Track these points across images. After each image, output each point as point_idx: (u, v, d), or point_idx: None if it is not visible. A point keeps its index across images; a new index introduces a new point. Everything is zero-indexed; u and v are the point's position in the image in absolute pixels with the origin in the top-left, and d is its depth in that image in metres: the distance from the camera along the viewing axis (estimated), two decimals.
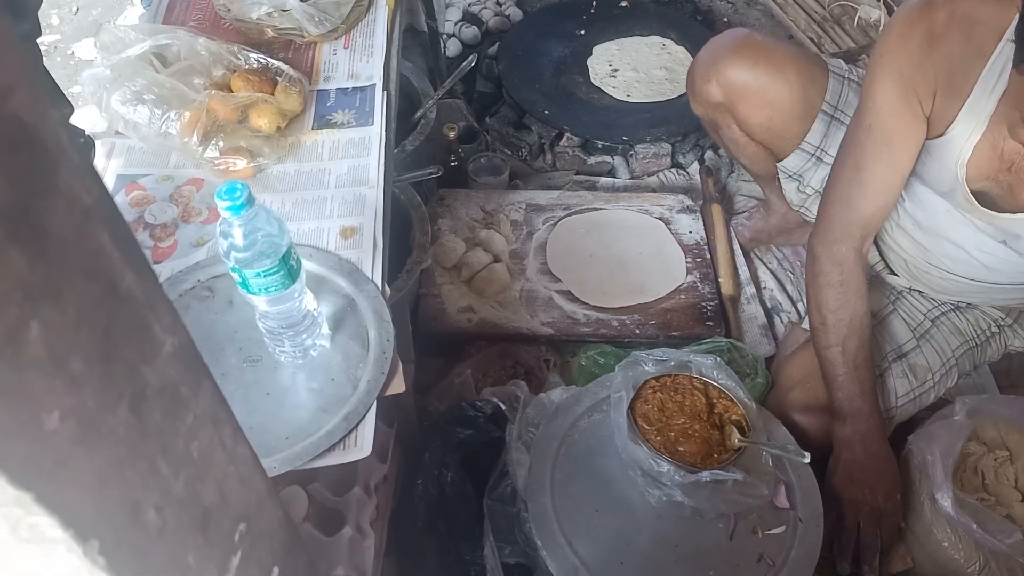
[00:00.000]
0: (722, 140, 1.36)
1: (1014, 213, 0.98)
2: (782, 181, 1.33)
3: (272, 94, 1.11)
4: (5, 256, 0.25)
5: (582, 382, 1.24)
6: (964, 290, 1.17)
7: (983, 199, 1.00)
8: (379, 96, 1.16)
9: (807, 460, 0.99)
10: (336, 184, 1.04)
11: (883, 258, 1.24)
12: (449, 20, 2.01)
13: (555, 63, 1.81)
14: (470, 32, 1.98)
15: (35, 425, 0.27)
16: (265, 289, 0.74)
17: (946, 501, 1.06)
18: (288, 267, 0.75)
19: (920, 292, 1.23)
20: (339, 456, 0.77)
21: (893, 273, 1.25)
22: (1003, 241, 1.02)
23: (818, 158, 1.27)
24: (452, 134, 1.53)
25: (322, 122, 1.13)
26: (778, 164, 1.29)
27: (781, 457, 1.05)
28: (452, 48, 1.94)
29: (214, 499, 0.42)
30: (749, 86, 1.22)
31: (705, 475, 0.96)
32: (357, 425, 0.80)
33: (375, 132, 1.11)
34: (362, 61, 1.22)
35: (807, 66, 1.25)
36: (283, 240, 0.73)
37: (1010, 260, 1.05)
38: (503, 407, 1.09)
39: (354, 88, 1.18)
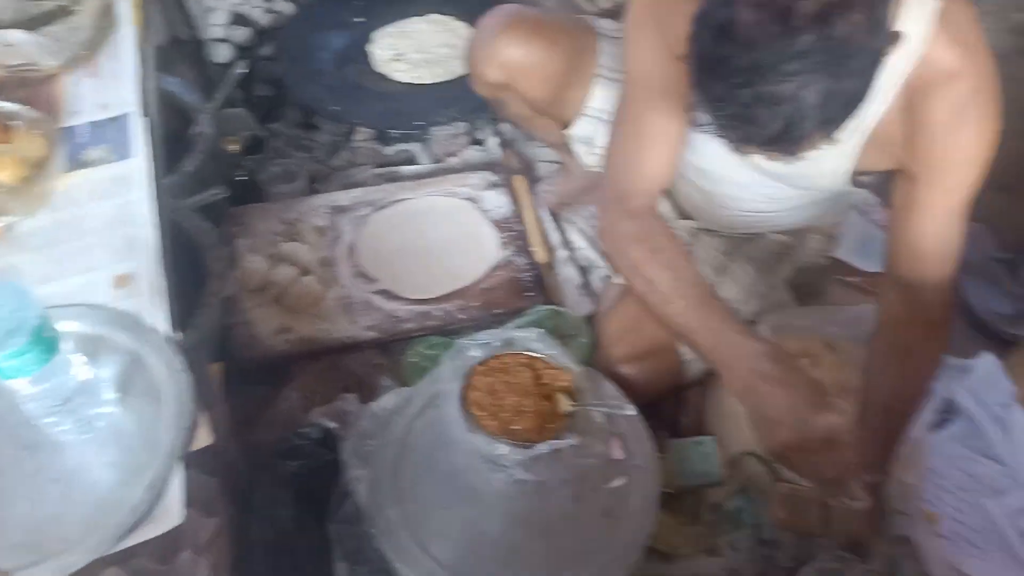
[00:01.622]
0: (510, 117, 1.38)
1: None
2: (573, 147, 1.36)
3: (9, 142, 1.00)
4: None
5: (415, 380, 1.22)
6: (751, 223, 1.25)
7: None
8: (135, 124, 1.07)
9: (632, 412, 1.03)
10: (101, 229, 0.95)
11: (673, 207, 1.30)
12: (215, 24, 1.89)
13: (337, 55, 1.75)
14: (242, 33, 1.87)
15: None
16: (20, 371, 0.67)
17: None
18: (44, 341, 0.68)
19: (711, 231, 1.30)
20: (150, 530, 0.72)
21: (686, 217, 1.32)
22: (776, 178, 1.10)
23: (603, 120, 1.30)
24: (234, 147, 1.45)
25: (75, 162, 1.02)
26: (565, 132, 1.32)
27: (609, 413, 1.09)
28: (224, 54, 1.82)
29: None
30: (525, 64, 1.24)
31: (542, 447, 0.99)
32: (164, 491, 0.74)
33: (137, 165, 1.03)
34: (112, 88, 1.12)
35: (577, 33, 1.28)
36: (30, 312, 0.66)
37: (785, 192, 1.13)
38: (334, 427, 1.06)
39: (108, 119, 1.08)
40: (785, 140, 0.76)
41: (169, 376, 0.82)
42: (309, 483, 0.98)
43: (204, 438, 0.78)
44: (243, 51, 1.86)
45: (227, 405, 1.09)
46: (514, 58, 1.23)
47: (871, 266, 1.58)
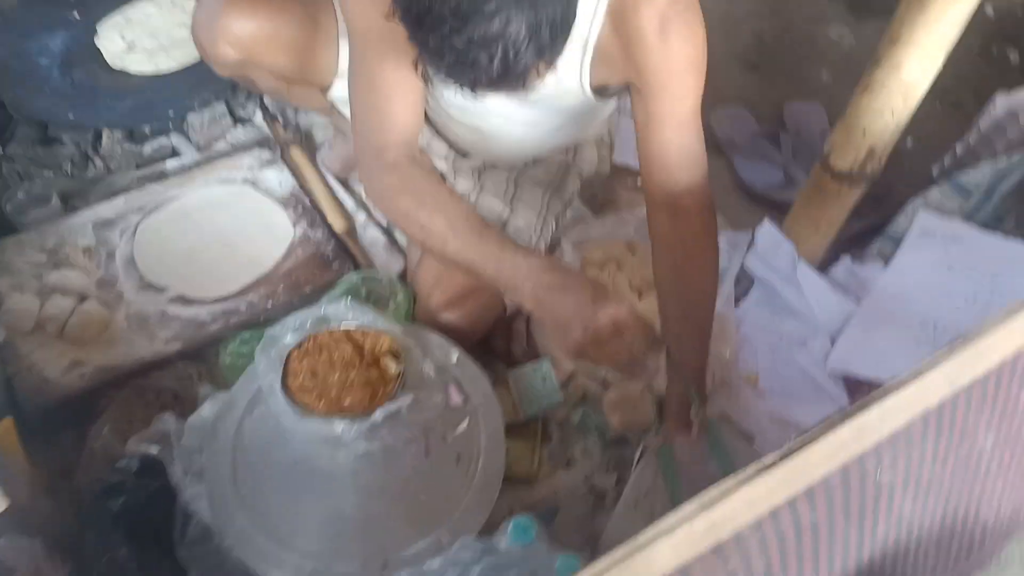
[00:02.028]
0: (264, 91, 1.30)
1: None
2: (340, 108, 1.31)
3: None
4: None
5: (235, 380, 1.15)
6: (525, 150, 1.27)
7: None
8: None
9: (456, 356, 1.03)
10: None
11: (452, 147, 1.29)
12: None
13: (59, 58, 1.57)
14: None
15: None
16: None
17: None
18: None
19: (493, 165, 1.31)
20: None
21: (464, 155, 1.32)
22: (527, 103, 1.11)
23: None
24: None
25: None
26: (328, 96, 1.27)
27: (443, 359, 1.09)
28: None
29: None
30: (258, 36, 1.16)
31: (377, 414, 0.97)
32: None
33: None
34: None
35: None
36: None
37: (542, 114, 1.15)
38: (155, 452, 0.98)
39: None
40: (509, 77, 0.77)
41: None
42: (141, 517, 0.91)
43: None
44: None
45: (30, 459, 0.98)
46: (245, 33, 1.15)
47: None
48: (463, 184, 1.29)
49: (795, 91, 1.92)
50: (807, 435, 0.63)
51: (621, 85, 1.05)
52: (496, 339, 1.32)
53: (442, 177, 1.33)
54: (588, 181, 1.45)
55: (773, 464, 0.61)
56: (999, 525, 0.97)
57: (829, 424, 0.64)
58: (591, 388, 1.26)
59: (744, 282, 1.42)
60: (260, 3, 1.16)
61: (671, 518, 0.59)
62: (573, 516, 1.16)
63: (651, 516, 1.08)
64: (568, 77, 1.03)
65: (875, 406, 0.65)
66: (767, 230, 1.40)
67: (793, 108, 1.83)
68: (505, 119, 1.15)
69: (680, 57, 0.95)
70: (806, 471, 0.65)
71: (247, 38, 1.15)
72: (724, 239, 1.36)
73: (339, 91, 1.25)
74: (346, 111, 1.31)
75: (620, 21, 0.94)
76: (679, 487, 1.07)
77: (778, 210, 1.51)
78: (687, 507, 0.59)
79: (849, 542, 0.77)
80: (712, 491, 0.60)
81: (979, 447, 0.82)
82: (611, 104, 1.23)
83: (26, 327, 1.16)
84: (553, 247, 1.35)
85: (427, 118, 1.30)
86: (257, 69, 1.21)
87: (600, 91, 1.07)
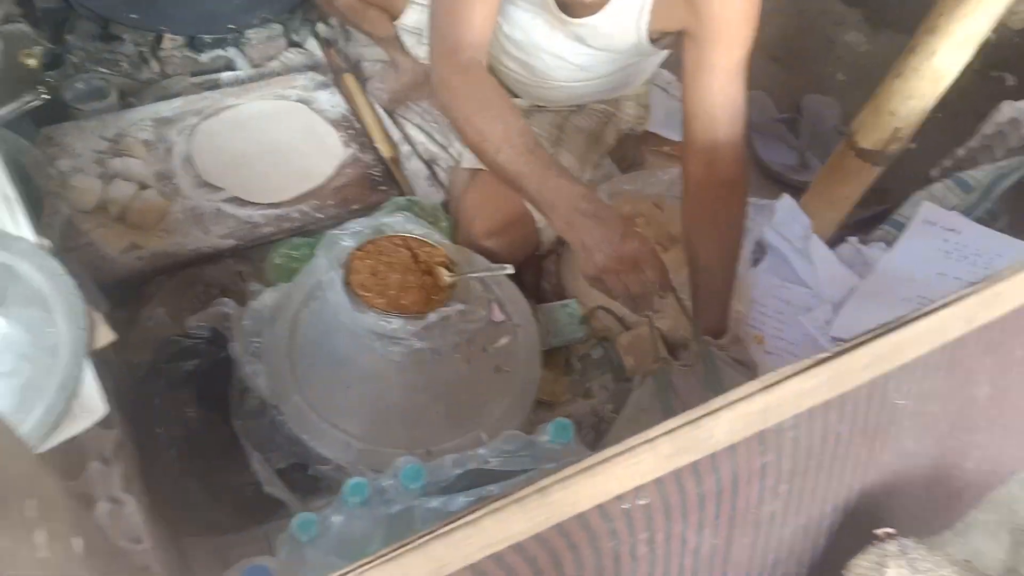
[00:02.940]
0: (337, 10, 1.36)
1: (580, 19, 1.12)
2: (404, 39, 1.37)
3: None
4: None
5: (283, 280, 1.21)
6: (571, 94, 1.35)
7: (565, 9, 1.13)
8: None
9: (511, 270, 1.10)
10: None
11: (502, 84, 1.36)
12: None
13: None
14: None
15: None
16: None
17: None
18: None
19: (540, 107, 1.39)
20: (72, 427, 0.70)
21: (515, 96, 1.39)
22: (583, 43, 1.19)
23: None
24: (33, 62, 1.30)
25: None
26: (396, 24, 1.33)
27: (487, 278, 1.16)
28: None
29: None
30: None
31: (432, 317, 1.04)
32: (76, 390, 0.72)
33: None
34: None
35: None
36: None
37: (595, 57, 1.23)
38: (218, 329, 1.04)
39: None
40: None
41: (49, 280, 0.77)
42: (209, 381, 0.97)
43: (106, 335, 0.75)
44: None
45: None
46: None
47: (677, 136, 1.76)
48: None
49: (812, 85, 2.03)
50: (848, 343, 0.72)
51: (675, 32, 1.12)
52: (527, 274, 1.40)
53: None
54: (623, 138, 1.53)
55: (823, 360, 0.70)
56: (977, 480, 1.07)
57: (867, 336, 0.72)
58: (611, 327, 1.35)
59: (757, 250, 1.51)
60: None
61: (731, 395, 0.67)
62: (584, 440, 1.24)
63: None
64: (626, 17, 1.10)
65: (905, 328, 0.74)
66: (786, 203, 1.49)
67: (810, 99, 1.93)
68: (556, 58, 1.23)
69: (739, 6, 1.03)
70: (846, 376, 0.73)
71: None
72: (750, 205, 1.45)
73: (408, 19, 1.31)
74: (409, 41, 1.37)
75: None
76: (671, 405, 1.16)
77: (791, 189, 1.61)
78: (748, 385, 0.67)
79: (859, 461, 0.86)
80: (770, 375, 0.68)
81: (977, 395, 0.91)
82: (659, 56, 1.30)
83: (87, 206, 1.21)
84: None
85: None
86: None
87: (654, 38, 1.15)
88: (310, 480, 1.00)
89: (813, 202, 1.48)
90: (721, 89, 1.09)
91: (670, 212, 1.48)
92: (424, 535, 0.57)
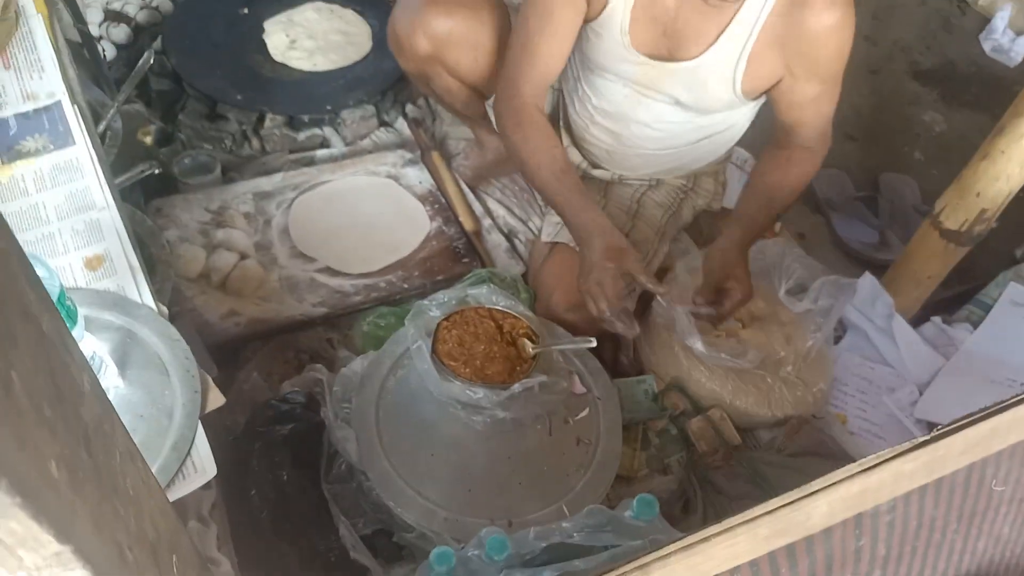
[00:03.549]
0: (433, 91, 1.44)
1: (683, 61, 1.20)
2: (494, 120, 1.44)
3: None
4: None
5: (370, 347, 1.26)
6: (656, 163, 1.39)
7: (670, 55, 1.21)
8: (69, 111, 1.04)
9: (594, 343, 1.12)
10: (58, 216, 0.94)
11: (586, 157, 1.41)
12: (91, 23, 1.81)
13: (230, 47, 1.73)
14: (120, 31, 1.81)
15: (46, 476, 0.25)
16: None
17: (696, 344, 1.27)
18: (66, 309, 0.68)
19: (622, 179, 1.42)
20: (184, 487, 0.73)
21: (598, 167, 1.43)
22: (675, 103, 1.25)
23: None
24: (148, 139, 1.41)
25: (12, 154, 0.99)
26: (488, 104, 1.40)
27: (569, 350, 1.18)
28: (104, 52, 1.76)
29: (153, 533, 0.40)
30: (453, 33, 1.30)
31: (516, 387, 1.06)
32: (189, 451, 0.76)
33: (80, 151, 1.01)
34: (34, 79, 1.08)
35: (495, 3, 1.36)
36: (54, 282, 0.66)
37: (683, 126, 1.30)
38: (312, 394, 1.08)
39: (36, 110, 1.04)
40: None
41: (167, 345, 0.83)
42: (303, 444, 1.00)
43: (217, 399, 0.80)
44: (124, 48, 1.80)
45: None
46: (442, 29, 1.30)
47: None
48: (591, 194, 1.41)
49: (889, 164, 2.02)
50: (946, 426, 0.71)
51: (770, 83, 1.21)
52: (605, 348, 1.41)
53: None
54: (699, 215, 1.55)
55: (922, 444, 0.69)
56: None
57: (965, 421, 0.71)
58: (685, 408, 1.34)
59: (838, 328, 1.50)
60: (458, 5, 1.31)
61: (831, 477, 0.66)
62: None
63: None
64: (725, 66, 1.19)
65: (1003, 413, 0.72)
66: (868, 282, 1.48)
67: (888, 178, 1.92)
68: (645, 126, 1.29)
69: (837, 38, 1.13)
70: (944, 460, 0.72)
71: (442, 34, 1.30)
72: (832, 283, 1.44)
73: None
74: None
75: (791, 4, 1.11)
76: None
77: (871, 268, 1.59)
78: (847, 468, 0.67)
79: (954, 548, 0.83)
80: (870, 458, 0.68)
81: None
82: (746, 116, 1.34)
83: (192, 274, 1.29)
84: (666, 269, 1.45)
85: (568, 127, 1.42)
86: (439, 66, 1.35)
87: (746, 93, 1.22)
88: (394, 547, 1.01)
89: (896, 281, 1.46)
90: (811, 117, 1.24)
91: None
92: None
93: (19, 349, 0.26)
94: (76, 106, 1.06)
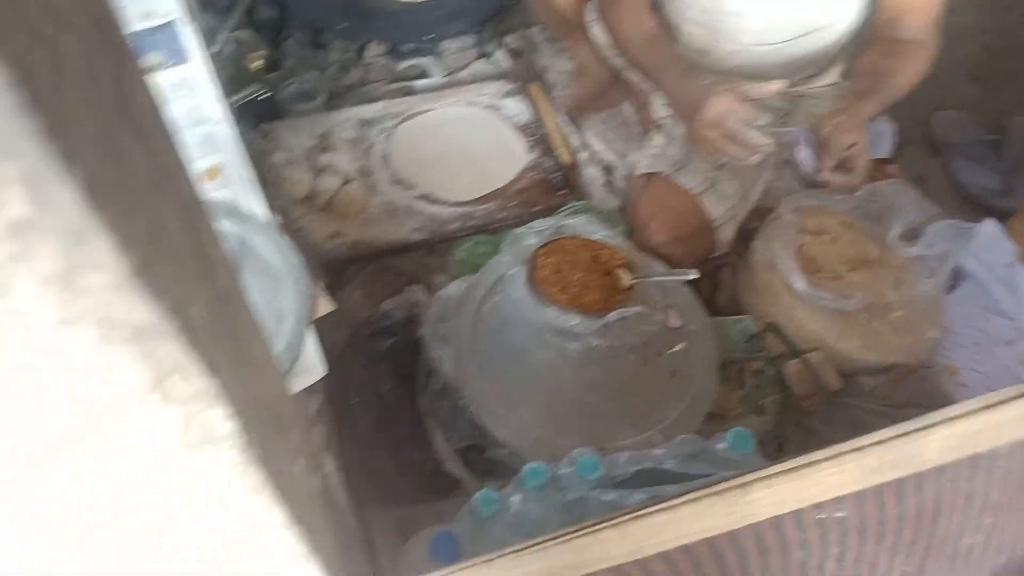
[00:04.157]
0: (547, 8, 1.43)
1: None
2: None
3: None
4: None
5: (465, 274, 1.27)
6: (752, 61, 1.34)
7: None
8: (186, 30, 1.08)
9: (695, 275, 1.10)
10: (178, 130, 0.97)
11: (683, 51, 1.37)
12: None
13: None
14: None
15: (197, 315, 0.27)
16: None
17: (800, 284, 1.23)
18: None
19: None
20: (296, 383, 0.76)
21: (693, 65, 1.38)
22: None
23: None
24: (257, 64, 1.45)
25: None
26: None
27: (668, 283, 1.16)
28: None
29: (277, 406, 0.42)
30: None
31: (612, 316, 1.05)
32: (301, 352, 0.79)
33: (196, 68, 1.04)
34: None
35: None
36: None
37: (781, 8, 1.25)
38: (411, 314, 1.11)
39: (155, 27, 1.08)
40: None
41: (278, 253, 0.85)
42: (400, 360, 1.03)
43: (326, 305, 0.83)
44: None
45: None
46: None
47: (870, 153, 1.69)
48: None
49: (1019, 107, 1.87)
50: None
51: None
52: (701, 286, 1.38)
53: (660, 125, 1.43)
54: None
55: None
56: None
57: None
58: (782, 351, 1.31)
59: (953, 276, 1.42)
60: None
61: (949, 411, 0.63)
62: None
63: None
64: None
65: None
66: (989, 228, 1.39)
67: (1019, 121, 1.78)
68: (742, 17, 1.26)
69: None
70: None
71: None
72: (949, 228, 1.36)
73: None
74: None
75: None
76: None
77: (992, 214, 1.49)
78: (968, 403, 0.64)
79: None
80: (992, 395, 0.65)
81: None
82: (850, 11, 1.28)
83: (298, 196, 1.32)
84: (769, 208, 1.39)
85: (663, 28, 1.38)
86: None
87: None
88: (486, 462, 1.04)
89: (1020, 229, 1.37)
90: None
91: (858, 231, 1.42)
92: (624, 515, 0.58)
93: (169, 205, 0.27)
94: (192, 25, 1.09)
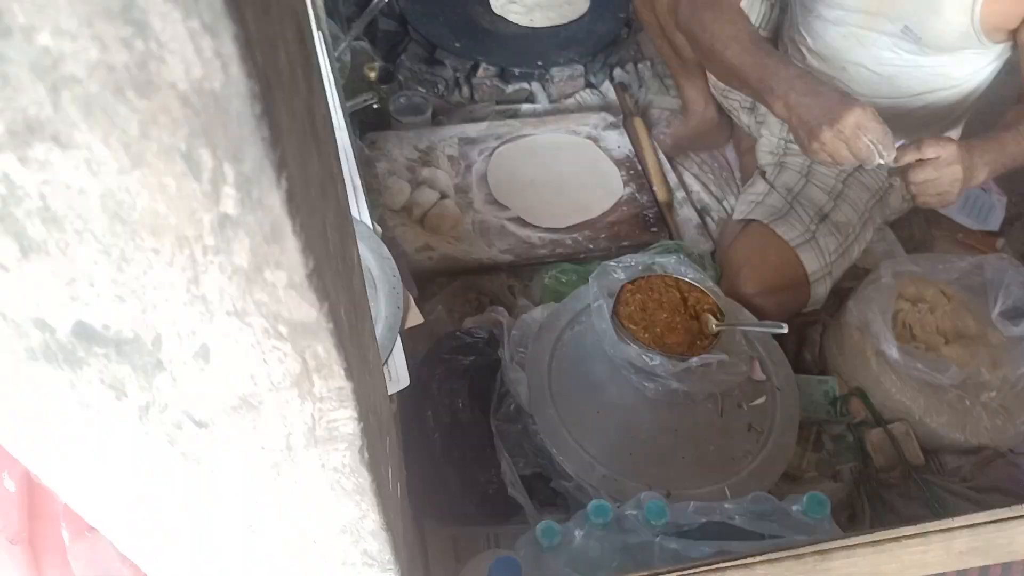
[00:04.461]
0: (668, 42, 1.43)
1: None
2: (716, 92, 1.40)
3: None
4: None
5: (548, 300, 1.28)
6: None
7: None
8: (313, 35, 1.12)
9: (784, 328, 1.07)
10: None
11: None
12: None
13: None
14: None
15: (345, 317, 0.28)
16: None
17: (892, 351, 1.19)
18: None
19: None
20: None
21: None
22: (901, 35, 1.17)
23: None
24: (373, 74, 1.50)
25: None
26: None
27: (754, 334, 1.14)
28: None
29: (383, 411, 0.44)
30: None
31: (694, 361, 1.04)
32: (386, 360, 0.81)
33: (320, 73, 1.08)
34: None
35: None
36: None
37: (908, 65, 1.21)
38: (493, 333, 1.12)
39: None
40: None
41: (377, 262, 0.88)
42: (477, 379, 1.04)
43: (416, 317, 0.84)
44: None
45: None
46: None
47: (973, 224, 1.63)
48: (790, 177, 1.35)
49: None
50: None
51: (1017, 19, 1.10)
52: (789, 341, 1.35)
53: (763, 172, 1.40)
54: (910, 213, 1.44)
55: None
56: None
57: None
58: (865, 418, 1.26)
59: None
60: None
61: None
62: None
63: None
64: (958, 7, 1.09)
65: None
66: None
67: None
68: (865, 66, 1.23)
69: None
70: None
71: None
72: None
73: None
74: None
75: None
76: None
77: None
78: None
79: None
80: None
81: None
82: (982, 71, 1.24)
83: (396, 206, 1.36)
84: (866, 269, 1.36)
85: None
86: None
87: (987, 30, 1.11)
88: (550, 492, 1.03)
89: None
90: None
91: (958, 304, 1.37)
92: (696, 567, 0.57)
93: (331, 210, 0.29)
94: (320, 32, 1.14)
